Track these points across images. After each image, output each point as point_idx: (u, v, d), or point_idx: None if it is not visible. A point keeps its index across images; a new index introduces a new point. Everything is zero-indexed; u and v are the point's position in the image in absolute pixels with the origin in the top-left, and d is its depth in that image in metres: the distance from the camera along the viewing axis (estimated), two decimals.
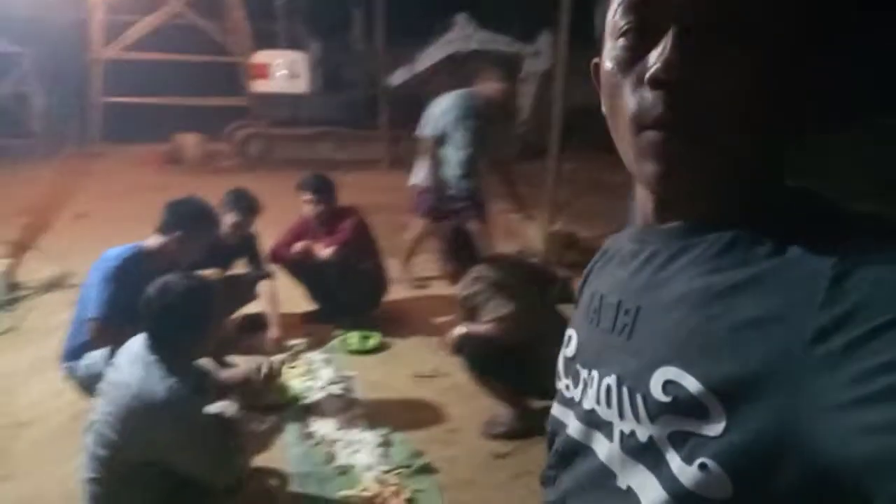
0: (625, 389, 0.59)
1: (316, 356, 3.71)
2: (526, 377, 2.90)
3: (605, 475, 0.61)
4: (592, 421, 0.65)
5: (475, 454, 2.88)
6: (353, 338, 3.91)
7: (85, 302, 2.93)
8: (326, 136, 10.68)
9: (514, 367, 2.88)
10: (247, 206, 3.86)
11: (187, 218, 3.07)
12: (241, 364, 3.05)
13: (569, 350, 0.73)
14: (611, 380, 0.62)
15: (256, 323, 3.96)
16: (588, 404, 0.65)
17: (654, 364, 0.56)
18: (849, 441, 0.43)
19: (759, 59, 0.52)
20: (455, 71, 12.87)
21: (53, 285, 4.79)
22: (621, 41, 0.57)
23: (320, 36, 10.95)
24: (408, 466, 2.72)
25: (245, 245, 3.97)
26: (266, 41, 11.54)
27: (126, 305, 2.51)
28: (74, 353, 2.93)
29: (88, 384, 2.60)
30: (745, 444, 0.49)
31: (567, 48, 5.74)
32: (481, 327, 2.85)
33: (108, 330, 2.72)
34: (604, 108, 0.63)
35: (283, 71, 10.54)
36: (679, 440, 0.53)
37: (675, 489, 0.53)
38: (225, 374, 2.72)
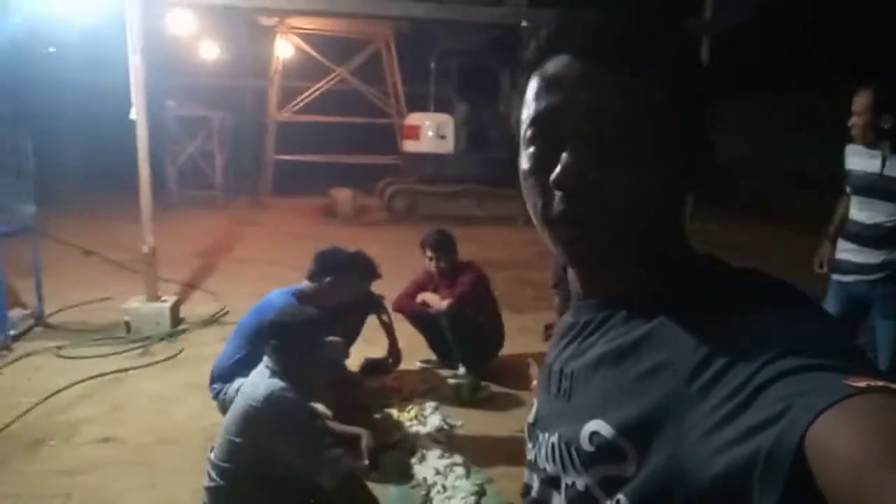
0: (563, 445, 0.66)
1: (427, 403, 3.91)
2: None
3: None
4: (546, 479, 0.71)
5: None
6: (464, 388, 4.07)
7: (240, 331, 3.33)
8: (467, 194, 11.12)
9: None
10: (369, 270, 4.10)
11: (339, 264, 3.44)
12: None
13: (530, 417, 0.80)
14: (555, 438, 0.69)
15: (378, 367, 4.24)
16: (542, 464, 0.72)
17: (584, 419, 0.63)
18: (709, 463, 0.49)
19: (644, 159, 0.62)
20: None
21: (211, 321, 5.40)
22: (531, 149, 0.66)
23: (467, 98, 11.51)
24: None
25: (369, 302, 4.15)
26: (418, 104, 12.33)
27: None
28: (224, 376, 3.30)
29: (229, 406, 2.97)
30: (648, 479, 0.55)
31: None
32: None
33: None
34: (527, 205, 0.71)
35: (431, 132, 11.17)
36: (608, 484, 0.60)
37: None
38: (338, 427, 2.99)
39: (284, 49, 13.03)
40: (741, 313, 0.56)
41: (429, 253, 4.36)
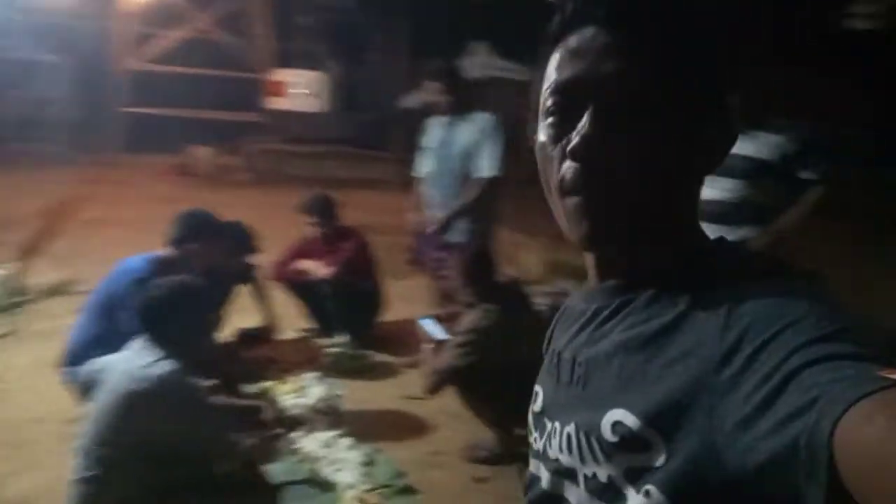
0: (582, 435, 0.65)
1: (308, 374, 3.76)
2: (511, 404, 2.94)
3: None
4: (559, 470, 0.69)
5: (456, 477, 2.93)
6: (346, 357, 3.96)
7: (94, 309, 3.01)
8: (338, 155, 10.83)
9: (502, 392, 2.93)
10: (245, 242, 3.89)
11: (199, 231, 3.17)
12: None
13: (536, 405, 0.78)
14: (570, 428, 0.67)
15: (254, 337, 4.03)
16: (553, 454, 0.70)
17: (604, 408, 0.61)
18: (750, 451, 0.49)
19: (659, 130, 0.60)
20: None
21: (57, 290, 4.88)
22: (549, 119, 0.66)
23: (340, 57, 11.15)
24: (389, 486, 2.77)
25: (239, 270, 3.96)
26: (287, 60, 11.77)
27: None
28: (78, 359, 2.99)
29: (88, 389, 2.67)
30: (680, 468, 0.54)
31: None
32: (446, 359, 2.89)
33: None
34: (541, 180, 0.70)
35: (300, 89, 10.73)
36: (633, 475, 0.58)
37: None
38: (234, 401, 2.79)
39: None
40: (768, 298, 0.55)
41: (309, 218, 4.16)
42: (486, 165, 3.56)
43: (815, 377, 0.47)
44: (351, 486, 2.74)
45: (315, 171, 10.49)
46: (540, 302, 3.52)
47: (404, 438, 3.21)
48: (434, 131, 3.84)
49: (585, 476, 0.64)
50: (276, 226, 5.94)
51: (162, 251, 3.16)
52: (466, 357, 2.85)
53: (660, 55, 0.61)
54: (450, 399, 3.38)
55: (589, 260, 0.72)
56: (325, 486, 2.76)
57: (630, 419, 0.58)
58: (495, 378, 2.90)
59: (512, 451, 3.03)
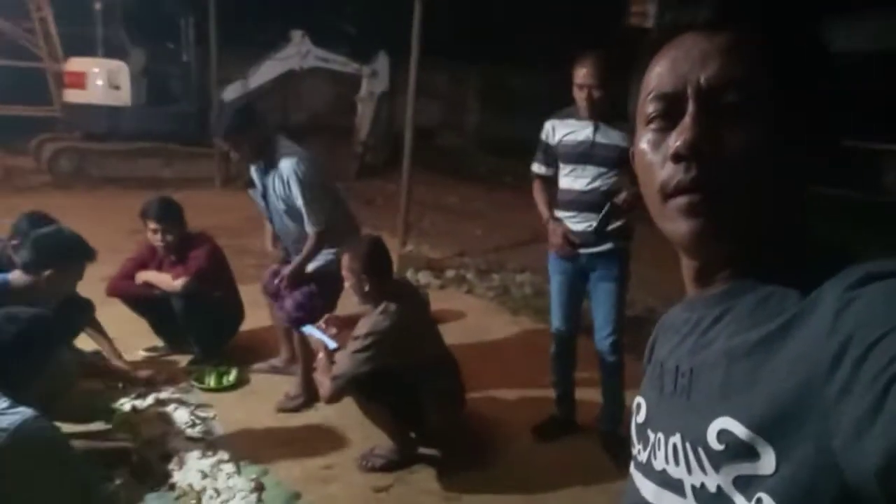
0: (688, 445, 0.64)
1: (168, 396, 3.42)
2: (407, 406, 2.88)
3: None
4: (664, 481, 0.68)
5: (355, 490, 2.81)
6: (209, 374, 3.65)
7: None
8: (151, 152, 9.93)
9: (401, 395, 2.86)
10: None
11: (64, 250, 2.77)
12: None
13: (639, 417, 0.77)
14: (676, 438, 0.66)
15: (93, 364, 3.57)
16: (659, 465, 0.69)
17: (709, 417, 0.60)
18: (866, 456, 0.47)
19: (769, 126, 0.61)
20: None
21: None
22: (651, 125, 0.67)
23: (144, 43, 10.19)
24: None
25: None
26: (78, 47, 10.51)
27: None
28: None
29: None
30: (793, 476, 0.53)
31: (416, 71, 5.84)
32: (346, 365, 2.77)
33: None
34: (641, 188, 0.70)
35: (101, 80, 9.67)
36: (742, 484, 0.57)
37: None
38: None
39: None
40: (875, 300, 0.54)
41: (152, 225, 3.75)
42: (311, 222, 3.33)
43: None
44: None
45: (126, 171, 9.55)
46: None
47: (290, 455, 3.00)
48: (255, 178, 3.56)
49: (693, 487, 0.63)
50: (97, 234, 5.31)
51: (12, 277, 2.73)
52: (370, 362, 2.73)
53: (758, 56, 0.61)
54: (328, 409, 3.24)
55: (689, 268, 0.72)
56: None
57: (737, 427, 0.58)
58: (396, 380, 2.82)
59: (409, 456, 2.97)
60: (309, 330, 3.04)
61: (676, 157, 0.62)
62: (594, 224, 2.91)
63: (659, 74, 0.66)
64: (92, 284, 3.74)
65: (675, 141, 0.62)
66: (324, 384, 2.82)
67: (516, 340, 4.68)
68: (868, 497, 0.49)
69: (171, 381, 3.63)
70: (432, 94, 13.02)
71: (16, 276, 2.73)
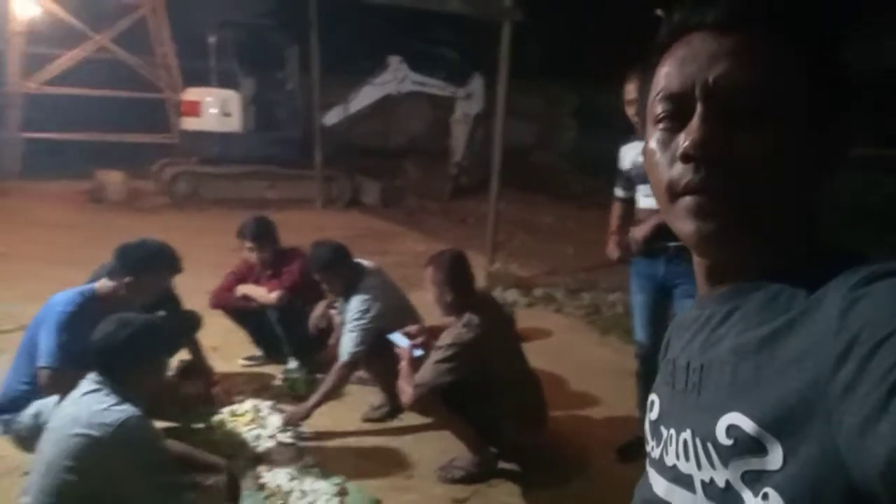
0: (698, 441, 0.64)
1: (263, 403, 3.60)
2: (488, 420, 2.91)
3: None
4: (675, 477, 0.69)
5: (433, 500, 2.85)
6: (300, 383, 3.82)
7: (29, 350, 2.78)
8: (258, 175, 10.51)
9: (478, 408, 2.89)
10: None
11: (146, 259, 2.98)
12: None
13: (652, 414, 0.78)
14: (686, 434, 0.66)
15: (192, 369, 3.81)
16: (670, 461, 0.70)
17: (719, 413, 0.61)
18: (871, 455, 0.47)
19: (779, 128, 0.61)
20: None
21: None
22: (660, 125, 0.67)
23: (253, 73, 10.84)
24: None
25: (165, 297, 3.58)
26: (194, 78, 11.34)
27: (79, 353, 2.46)
28: (14, 404, 2.74)
29: (30, 437, 2.44)
30: (799, 472, 0.53)
31: (506, 93, 5.91)
32: (428, 376, 2.83)
33: (61, 378, 2.57)
34: (650, 186, 0.71)
35: (215, 109, 10.35)
36: (750, 479, 0.58)
37: None
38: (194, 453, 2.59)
39: (26, 7, 11.16)
40: (883, 299, 0.53)
41: (248, 244, 3.99)
42: (343, 350, 3.44)
43: None
44: None
45: (236, 193, 10.16)
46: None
47: (372, 463, 3.10)
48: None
49: (703, 482, 0.64)
50: (204, 251, 5.70)
51: (94, 283, 2.95)
52: (451, 372, 2.79)
53: (770, 54, 0.62)
54: (414, 419, 3.32)
55: (700, 266, 0.72)
56: None
57: (745, 423, 0.58)
58: (477, 393, 2.86)
59: (489, 470, 2.98)
60: (395, 338, 3.12)
61: (685, 158, 0.62)
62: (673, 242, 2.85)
63: (667, 74, 0.66)
64: (197, 297, 4.04)
65: (683, 141, 0.63)
66: (406, 391, 2.89)
67: (604, 360, 4.61)
68: (874, 497, 0.48)
69: (266, 389, 3.83)
70: (528, 114, 13.05)
71: (101, 283, 2.95)
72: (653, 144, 0.68)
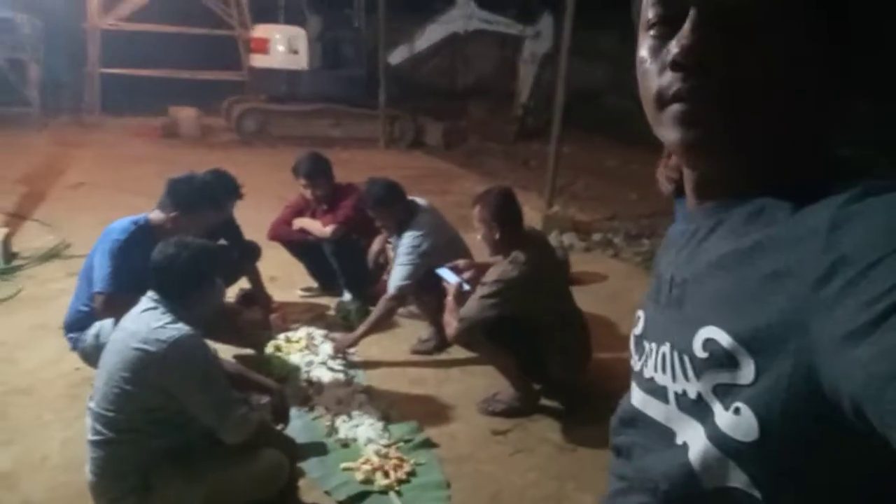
0: (675, 354, 0.64)
1: (316, 331, 3.73)
2: (532, 357, 2.94)
3: (664, 435, 0.67)
4: (651, 389, 0.70)
5: (474, 430, 2.92)
6: (353, 314, 3.94)
7: (88, 274, 2.94)
8: (323, 113, 10.61)
9: (522, 345, 2.92)
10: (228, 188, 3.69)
11: (189, 195, 3.07)
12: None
13: (637, 328, 0.78)
14: (665, 348, 0.67)
15: (252, 297, 3.98)
16: (648, 374, 0.71)
17: (697, 326, 0.60)
18: (848, 374, 0.46)
19: (775, 38, 0.57)
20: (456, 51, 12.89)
21: (51, 254, 4.77)
22: (651, 31, 0.64)
23: (320, 11, 10.83)
24: (408, 441, 2.76)
25: (226, 227, 3.78)
26: (263, 15, 11.42)
27: (132, 279, 2.60)
28: (79, 323, 2.94)
29: (94, 354, 2.62)
30: (771, 388, 0.53)
31: (571, 31, 5.72)
32: (474, 310, 2.86)
33: (114, 302, 2.73)
34: (640, 93, 0.67)
35: (282, 46, 10.43)
36: (721, 392, 0.57)
37: (714, 434, 0.58)
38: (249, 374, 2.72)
39: None
40: (876, 219, 0.50)
41: (303, 181, 4.07)
42: (393, 282, 3.55)
43: None
44: (370, 442, 2.72)
45: (302, 130, 10.30)
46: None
47: (418, 393, 3.19)
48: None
49: (676, 394, 0.64)
50: (267, 185, 5.85)
51: (151, 214, 3.07)
52: (496, 308, 2.82)
53: None
54: (460, 353, 3.38)
55: (688, 178, 0.70)
56: (345, 443, 2.74)
57: (722, 336, 0.57)
58: (522, 330, 2.88)
59: (531, 406, 3.03)
60: (443, 272, 3.15)
61: (674, 65, 0.60)
62: None
63: None
64: (259, 228, 4.17)
65: (674, 48, 0.60)
66: (451, 324, 2.93)
67: None
68: (844, 416, 0.48)
69: (320, 318, 3.96)
70: (601, 55, 12.59)
71: (154, 214, 3.06)
72: (643, 51, 0.65)
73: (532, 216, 5.85)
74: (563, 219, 6.05)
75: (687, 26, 0.59)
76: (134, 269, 2.63)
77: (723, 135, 0.60)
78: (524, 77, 11.25)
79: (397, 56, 10.97)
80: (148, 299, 2.25)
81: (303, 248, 4.25)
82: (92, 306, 2.89)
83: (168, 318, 2.18)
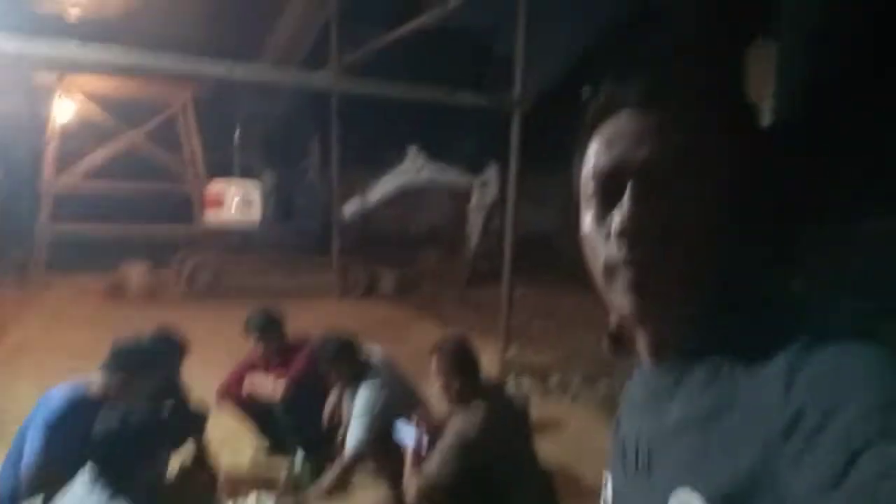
0: None
1: (266, 498, 3.50)
2: None
3: None
4: None
5: None
6: (306, 475, 3.74)
7: (20, 446, 2.75)
8: (277, 265, 10.67)
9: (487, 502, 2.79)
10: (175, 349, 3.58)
11: (134, 359, 2.96)
12: None
13: (607, 492, 0.78)
14: None
15: (199, 462, 3.75)
16: None
17: (669, 490, 0.61)
18: None
19: (707, 200, 0.62)
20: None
21: None
22: (594, 202, 0.69)
23: (275, 165, 11.22)
24: None
25: (172, 389, 3.59)
26: (218, 170, 11.74)
27: (67, 452, 2.44)
28: (9, 499, 2.70)
29: None
30: None
31: (517, 179, 6.01)
32: (434, 468, 2.74)
33: (46, 477, 2.53)
34: (588, 261, 0.71)
35: (237, 200, 10.66)
36: None
37: None
38: None
39: (65, 110, 11.75)
40: (827, 363, 0.53)
41: (255, 337, 4.00)
42: (350, 441, 3.45)
43: (888, 452, 0.46)
44: None
45: (255, 283, 10.27)
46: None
47: None
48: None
49: None
50: (218, 342, 5.71)
51: (91, 380, 2.92)
52: (457, 465, 2.71)
53: (692, 132, 0.63)
54: None
55: (641, 340, 0.72)
56: None
57: (696, 499, 0.57)
58: (485, 487, 2.76)
59: None
60: (401, 428, 3.05)
61: (620, 235, 0.63)
62: None
63: (597, 153, 0.68)
64: (208, 388, 4.03)
65: (617, 218, 0.64)
66: (411, 486, 2.80)
67: None
68: None
69: (271, 482, 3.74)
70: (550, 200, 13.19)
71: (95, 380, 2.90)
72: (588, 221, 0.69)
73: (489, 361, 5.82)
74: (520, 363, 6.03)
75: (627, 198, 0.63)
76: (71, 441, 2.47)
77: (674, 299, 0.63)
78: (474, 224, 11.65)
79: (351, 207, 11.29)
80: (86, 474, 2.09)
81: (253, 407, 4.08)
82: (22, 481, 2.68)
83: (107, 492, 2.03)
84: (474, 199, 11.57)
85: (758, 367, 0.57)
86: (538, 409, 4.95)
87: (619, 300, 0.65)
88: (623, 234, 0.63)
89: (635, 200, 0.63)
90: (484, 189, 11.46)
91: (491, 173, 11.43)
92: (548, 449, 3.18)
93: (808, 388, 0.52)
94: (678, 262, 0.62)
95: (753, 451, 0.53)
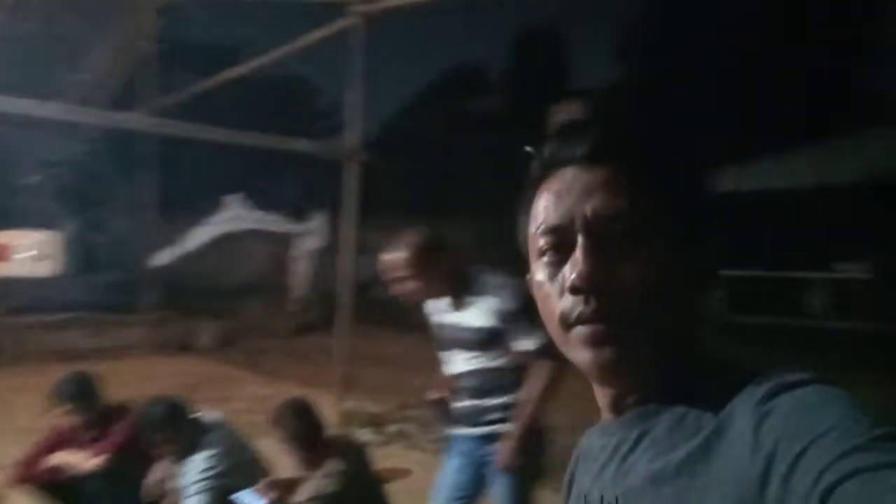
0: None
1: None
2: None
3: None
4: None
5: None
6: None
7: None
8: (78, 323, 9.63)
9: None
10: None
11: None
12: None
13: None
14: None
15: None
16: None
17: None
18: None
19: (652, 253, 0.64)
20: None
21: None
22: (544, 257, 0.68)
23: (77, 213, 10.20)
24: None
25: None
26: (10, 220, 10.43)
27: None
28: None
29: None
30: None
31: (354, 227, 5.97)
32: None
33: None
34: (543, 316, 0.71)
35: (29, 252, 9.51)
36: None
37: None
38: None
39: None
40: (792, 410, 0.55)
41: (66, 406, 3.52)
42: None
43: (857, 491, 0.47)
44: None
45: (51, 344, 9.16)
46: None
47: None
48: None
49: None
50: (11, 415, 4.99)
51: None
52: None
53: (636, 185, 0.65)
54: None
55: (601, 394, 0.72)
56: None
57: None
58: None
59: None
60: (243, 497, 2.81)
61: (573, 290, 0.63)
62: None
63: (546, 208, 0.68)
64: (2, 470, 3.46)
65: (570, 273, 0.64)
66: None
67: None
68: None
69: None
70: (371, 249, 13.28)
71: None
72: (540, 276, 0.69)
73: (326, 413, 5.61)
74: (359, 413, 5.90)
75: (579, 253, 0.64)
76: None
77: (631, 350, 0.63)
78: (297, 273, 11.39)
79: (165, 257, 10.53)
80: None
81: (59, 488, 3.56)
82: None
83: None
84: (297, 248, 11.33)
85: (722, 417, 0.58)
86: (381, 460, 4.85)
87: (578, 354, 0.65)
88: (577, 290, 0.63)
89: (587, 255, 0.63)
90: (308, 237, 11.28)
91: (316, 222, 11.29)
92: (400, 499, 3.10)
93: (775, 432, 0.53)
94: (634, 315, 0.62)
95: (732, 498, 0.53)
